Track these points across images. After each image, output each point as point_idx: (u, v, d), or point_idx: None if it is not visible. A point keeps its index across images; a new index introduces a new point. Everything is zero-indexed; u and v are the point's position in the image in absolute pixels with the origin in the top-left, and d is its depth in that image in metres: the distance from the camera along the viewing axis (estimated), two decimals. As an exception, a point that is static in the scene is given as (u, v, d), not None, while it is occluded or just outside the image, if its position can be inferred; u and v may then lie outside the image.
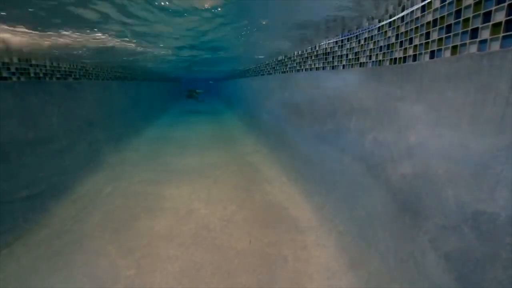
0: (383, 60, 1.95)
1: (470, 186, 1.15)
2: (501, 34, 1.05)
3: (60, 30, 2.41)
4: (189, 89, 12.82)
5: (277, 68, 4.94)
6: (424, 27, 1.51)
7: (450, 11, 1.32)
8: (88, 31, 2.52)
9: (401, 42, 1.73)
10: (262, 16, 2.41)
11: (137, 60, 5.38)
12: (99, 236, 2.47)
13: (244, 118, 8.27)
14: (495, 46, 1.08)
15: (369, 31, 2.14)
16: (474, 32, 1.18)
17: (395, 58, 1.79)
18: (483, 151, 1.10)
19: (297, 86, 3.94)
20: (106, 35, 2.75)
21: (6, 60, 2.72)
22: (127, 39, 3.04)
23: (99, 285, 1.88)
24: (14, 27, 2.17)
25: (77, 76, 4.16)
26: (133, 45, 3.46)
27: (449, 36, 1.32)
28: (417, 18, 1.58)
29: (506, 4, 1.03)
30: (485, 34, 1.13)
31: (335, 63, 2.73)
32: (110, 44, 3.26)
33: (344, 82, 2.56)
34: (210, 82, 16.87)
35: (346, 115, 2.49)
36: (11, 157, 2.60)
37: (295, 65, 3.98)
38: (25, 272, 2.02)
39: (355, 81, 2.37)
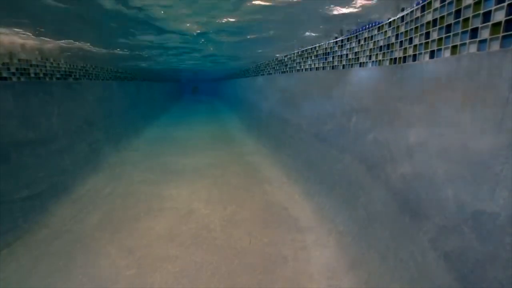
0: (383, 60, 1.95)
1: (470, 186, 1.15)
2: (501, 34, 1.05)
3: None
4: (193, 86, 22.87)
5: (277, 68, 4.94)
6: (424, 27, 1.51)
7: (449, 11, 1.31)
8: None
9: (401, 42, 1.73)
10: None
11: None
12: (99, 236, 2.47)
13: (244, 118, 8.27)
14: (495, 45, 1.08)
15: (369, 31, 2.14)
16: (474, 32, 1.18)
17: (395, 58, 1.79)
18: (483, 151, 1.10)
19: (297, 86, 3.94)
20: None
21: (6, 60, 2.72)
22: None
23: (99, 285, 1.88)
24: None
25: (77, 76, 4.16)
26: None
27: (449, 36, 1.32)
28: (417, 18, 1.58)
29: (505, 4, 1.03)
30: (484, 34, 1.13)
31: (335, 63, 2.73)
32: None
33: (344, 82, 2.56)
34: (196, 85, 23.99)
35: (346, 115, 2.49)
36: (11, 157, 2.60)
37: (295, 65, 3.98)
38: (25, 272, 2.02)
39: (355, 81, 2.37)
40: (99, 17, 2.33)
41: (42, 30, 2.63)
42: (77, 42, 3.32)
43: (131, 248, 2.28)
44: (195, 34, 3.09)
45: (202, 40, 3.58)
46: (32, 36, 2.78)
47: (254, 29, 2.89)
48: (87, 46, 3.58)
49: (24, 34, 2.64)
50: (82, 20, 2.42)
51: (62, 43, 3.22)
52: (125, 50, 4.07)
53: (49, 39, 2.99)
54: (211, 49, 4.39)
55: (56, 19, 2.33)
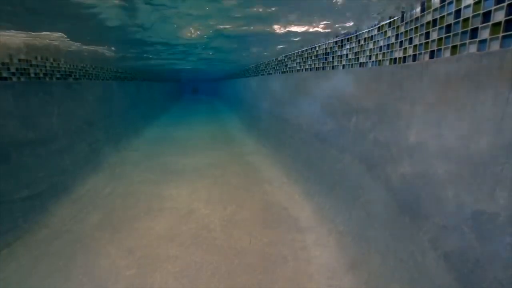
0: (383, 60, 1.95)
1: (470, 186, 1.15)
2: (501, 34, 1.05)
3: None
4: (193, 87, 24.77)
5: (277, 68, 4.94)
6: (424, 27, 1.51)
7: (449, 11, 1.31)
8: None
9: (401, 42, 1.73)
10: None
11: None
12: (99, 236, 2.47)
13: (244, 118, 8.27)
14: (495, 45, 1.08)
15: (369, 31, 2.14)
16: (474, 32, 1.18)
17: (395, 58, 1.79)
18: (483, 151, 1.10)
19: (297, 86, 3.94)
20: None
21: (6, 60, 2.72)
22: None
23: (99, 285, 1.88)
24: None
25: (77, 76, 4.16)
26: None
27: (449, 36, 1.32)
28: (416, 18, 1.58)
29: (505, 4, 1.03)
30: (484, 34, 1.13)
31: (335, 63, 2.73)
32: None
33: (344, 82, 2.56)
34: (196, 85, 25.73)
35: (346, 115, 2.49)
36: (11, 157, 2.60)
37: (295, 65, 3.98)
38: (25, 272, 2.02)
39: (355, 81, 2.37)
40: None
41: (87, 37, 2.88)
42: (100, 47, 3.55)
43: (131, 248, 2.28)
44: (196, 36, 3.10)
45: (203, 44, 3.60)
46: (70, 41, 2.97)
47: (255, 32, 2.89)
48: (109, 51, 3.79)
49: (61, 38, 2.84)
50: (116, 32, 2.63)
51: (88, 47, 3.42)
52: (134, 52, 4.10)
53: (78, 43, 3.14)
54: (210, 53, 4.42)
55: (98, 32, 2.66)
